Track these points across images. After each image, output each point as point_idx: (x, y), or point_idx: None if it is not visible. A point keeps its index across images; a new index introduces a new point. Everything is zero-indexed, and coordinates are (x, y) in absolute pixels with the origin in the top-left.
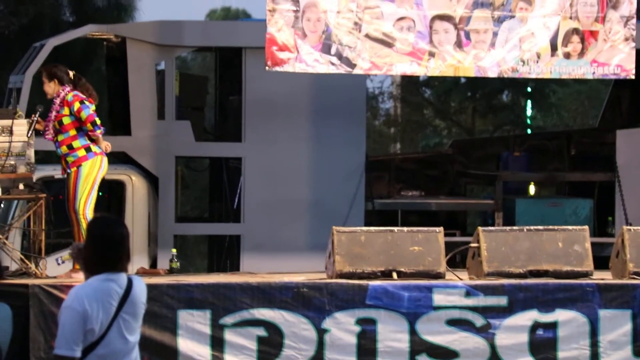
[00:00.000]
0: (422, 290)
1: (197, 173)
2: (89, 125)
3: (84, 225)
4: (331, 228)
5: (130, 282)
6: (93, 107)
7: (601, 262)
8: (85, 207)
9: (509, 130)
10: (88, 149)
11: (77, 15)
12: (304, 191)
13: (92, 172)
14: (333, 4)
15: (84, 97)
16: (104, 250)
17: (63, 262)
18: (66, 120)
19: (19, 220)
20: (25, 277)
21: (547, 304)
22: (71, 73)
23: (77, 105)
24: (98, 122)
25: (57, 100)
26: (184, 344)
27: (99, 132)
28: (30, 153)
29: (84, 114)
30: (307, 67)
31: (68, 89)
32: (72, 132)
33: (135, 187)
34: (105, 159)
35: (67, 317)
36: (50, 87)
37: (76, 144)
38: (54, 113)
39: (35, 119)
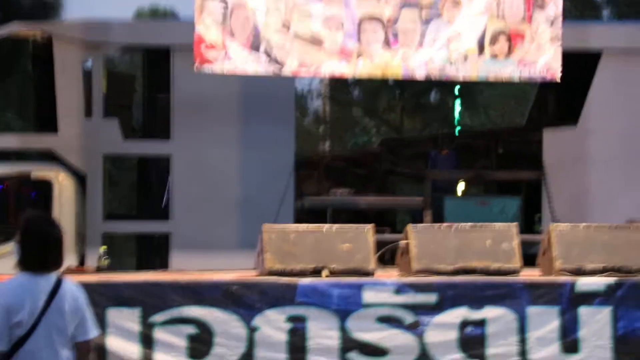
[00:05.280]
0: (352, 287)
1: (125, 170)
2: None
3: None
4: (261, 226)
5: (59, 282)
6: None
7: (529, 260)
8: None
9: (437, 129)
10: None
11: (2, 14)
12: (234, 189)
13: None
14: (261, 3)
15: None
16: (35, 248)
17: None
18: None
19: None
20: None
21: (476, 301)
22: None
23: None
24: None
25: None
26: (113, 342)
27: None
28: None
29: None
30: (236, 68)
31: None
32: None
33: (63, 185)
34: None
35: None
36: None
37: None
38: None
39: None
